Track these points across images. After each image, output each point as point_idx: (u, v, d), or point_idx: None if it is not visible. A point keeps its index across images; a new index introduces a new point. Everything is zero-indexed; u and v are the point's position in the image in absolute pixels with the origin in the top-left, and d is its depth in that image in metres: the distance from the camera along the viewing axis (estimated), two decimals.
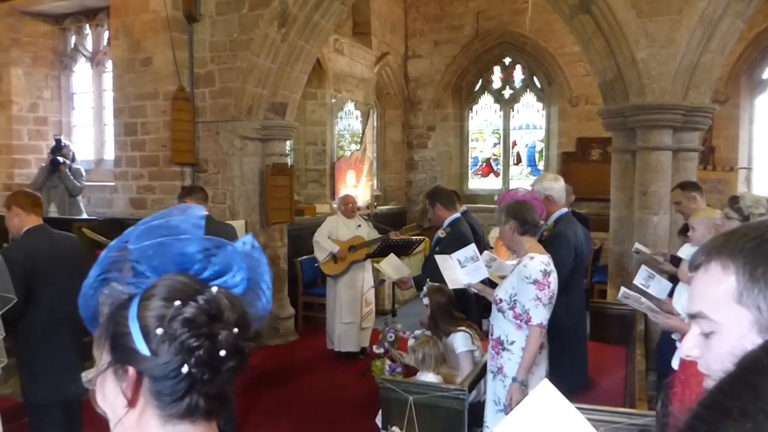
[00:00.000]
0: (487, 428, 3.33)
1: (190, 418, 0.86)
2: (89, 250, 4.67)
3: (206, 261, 0.89)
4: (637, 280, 3.84)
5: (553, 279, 3.09)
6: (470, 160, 11.57)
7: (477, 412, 3.51)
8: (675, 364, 3.07)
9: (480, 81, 11.27)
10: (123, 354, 0.85)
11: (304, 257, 7.49)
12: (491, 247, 5.24)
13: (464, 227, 4.59)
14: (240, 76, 6.44)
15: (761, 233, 0.81)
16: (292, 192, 7.05)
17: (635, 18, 5.04)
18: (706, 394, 0.61)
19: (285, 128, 6.90)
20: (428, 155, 11.44)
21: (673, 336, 3.19)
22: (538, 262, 3.06)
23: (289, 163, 7.80)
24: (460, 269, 3.62)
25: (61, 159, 7.28)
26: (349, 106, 9.55)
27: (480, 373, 3.59)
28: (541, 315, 3.03)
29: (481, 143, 11.53)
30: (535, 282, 3.01)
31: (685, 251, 3.55)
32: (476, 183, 11.58)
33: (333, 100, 9.08)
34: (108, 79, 8.06)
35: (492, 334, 3.27)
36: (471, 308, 4.48)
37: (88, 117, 8.71)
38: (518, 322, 3.10)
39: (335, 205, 7.02)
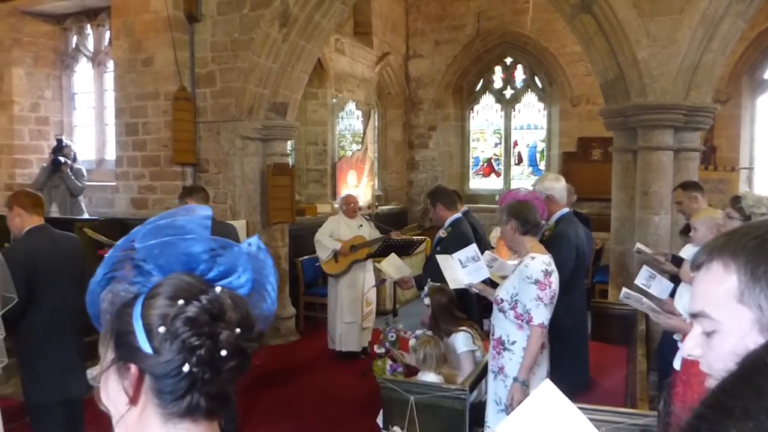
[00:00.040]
0: (488, 428, 3.33)
1: (191, 417, 0.86)
2: (91, 250, 4.68)
3: (212, 261, 0.89)
4: (639, 280, 3.84)
5: (555, 279, 3.08)
6: (471, 160, 11.56)
7: (478, 412, 3.51)
8: (677, 364, 3.06)
9: (481, 81, 11.26)
10: (126, 351, 0.86)
11: (306, 257, 7.50)
12: (492, 247, 5.23)
13: (465, 227, 4.59)
14: (241, 76, 6.44)
15: (762, 232, 0.81)
16: (293, 192, 7.05)
17: (636, 17, 5.04)
18: (708, 394, 0.61)
19: (286, 128, 6.90)
20: (429, 155, 11.44)
21: (675, 336, 3.19)
22: (540, 262, 3.06)
23: (290, 163, 7.81)
24: (461, 269, 3.62)
25: (62, 159, 7.28)
26: (350, 106, 9.55)
27: (481, 373, 3.59)
28: (542, 315, 3.02)
29: (482, 143, 11.53)
30: (537, 282, 3.01)
31: (687, 251, 3.54)
32: (477, 183, 11.57)
33: (334, 100, 9.08)
34: (109, 79, 8.07)
35: (493, 334, 3.27)
36: (472, 308, 4.48)
37: (89, 117, 8.72)
38: (519, 322, 3.09)
39: (337, 205, 7.02)
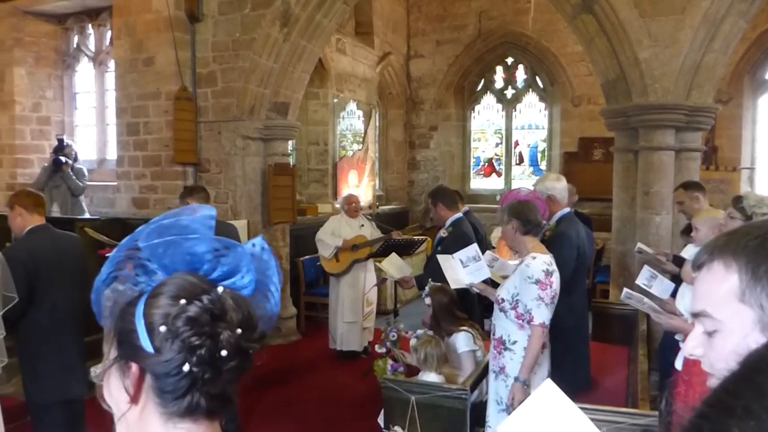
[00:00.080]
0: (489, 428, 3.33)
1: (191, 416, 0.86)
2: (92, 250, 4.67)
3: (215, 261, 0.89)
4: (640, 281, 3.84)
5: (556, 279, 3.08)
6: (472, 160, 11.56)
7: (479, 412, 3.51)
8: (678, 364, 3.06)
9: (482, 81, 11.25)
10: (128, 350, 0.86)
11: (307, 257, 7.50)
12: (493, 247, 5.23)
13: (466, 227, 4.59)
14: (242, 75, 6.45)
15: (763, 232, 0.81)
16: (294, 192, 7.05)
17: (638, 18, 5.03)
18: (709, 393, 0.61)
19: (287, 128, 6.91)
20: (430, 155, 11.44)
21: (676, 336, 3.18)
22: (541, 261, 3.06)
23: (291, 163, 7.81)
24: (462, 269, 3.62)
25: (63, 159, 7.28)
26: (352, 105, 9.55)
27: (482, 373, 3.59)
28: (543, 315, 3.02)
29: (484, 143, 11.52)
30: (538, 282, 3.01)
31: (689, 251, 3.54)
32: (478, 183, 11.57)
33: (335, 100, 9.08)
34: (110, 78, 8.07)
35: (494, 334, 3.27)
36: (473, 308, 4.47)
37: (90, 117, 8.72)
38: (520, 321, 3.09)
39: (338, 205, 7.02)
